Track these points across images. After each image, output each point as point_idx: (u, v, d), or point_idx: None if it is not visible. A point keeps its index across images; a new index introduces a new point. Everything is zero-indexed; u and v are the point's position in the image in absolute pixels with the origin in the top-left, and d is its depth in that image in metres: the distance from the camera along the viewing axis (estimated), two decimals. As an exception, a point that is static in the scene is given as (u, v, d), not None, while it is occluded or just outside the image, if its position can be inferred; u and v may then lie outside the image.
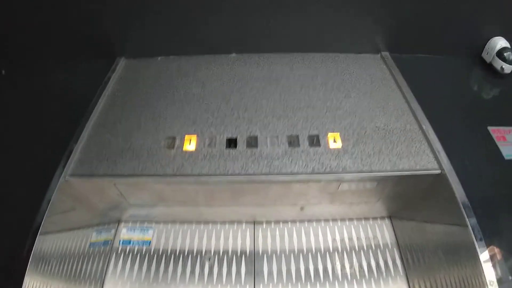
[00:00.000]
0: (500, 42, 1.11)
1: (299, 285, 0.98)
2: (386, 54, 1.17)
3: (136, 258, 1.02)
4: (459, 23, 1.10)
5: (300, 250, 1.04)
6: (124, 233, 1.07)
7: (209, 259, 1.02)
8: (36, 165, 0.87)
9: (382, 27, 1.12)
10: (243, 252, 1.03)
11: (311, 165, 0.83)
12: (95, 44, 1.15)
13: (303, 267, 1.01)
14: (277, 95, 1.01)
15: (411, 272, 0.97)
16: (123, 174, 0.83)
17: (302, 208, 1.00)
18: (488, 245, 0.71)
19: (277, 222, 1.09)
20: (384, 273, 0.99)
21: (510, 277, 0.70)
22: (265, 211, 1.03)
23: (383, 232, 1.07)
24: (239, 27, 1.10)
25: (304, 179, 0.82)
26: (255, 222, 1.09)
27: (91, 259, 0.97)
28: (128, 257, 1.03)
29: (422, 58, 1.18)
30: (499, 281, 0.68)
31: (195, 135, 0.90)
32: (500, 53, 1.10)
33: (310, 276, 0.99)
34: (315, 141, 0.88)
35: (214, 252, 1.04)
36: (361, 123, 0.93)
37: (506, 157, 0.88)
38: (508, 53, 1.08)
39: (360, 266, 1.00)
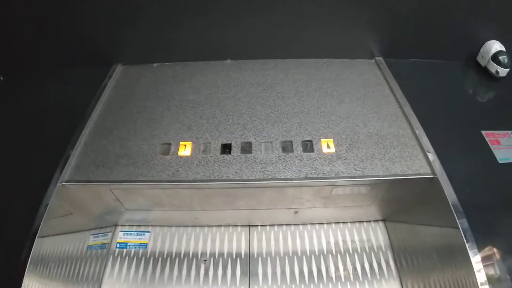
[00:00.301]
0: (495, 46, 1.11)
1: (293, 287, 0.99)
2: (380, 59, 1.17)
3: (133, 261, 1.04)
4: (454, 27, 1.10)
5: (295, 253, 1.05)
6: (121, 236, 1.08)
7: (205, 261, 1.03)
8: (34, 170, 0.88)
9: (376, 32, 1.13)
10: (238, 254, 1.05)
11: (305, 171, 0.84)
12: (92, 50, 1.15)
13: (298, 269, 1.02)
14: (271, 101, 1.02)
15: (404, 274, 0.99)
16: (119, 180, 0.84)
17: (296, 212, 1.01)
18: (479, 247, 0.72)
19: (272, 225, 1.10)
20: (377, 275, 1.01)
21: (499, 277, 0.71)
22: (260, 215, 1.04)
23: (377, 235, 1.08)
24: (234, 34, 1.11)
25: (297, 184, 0.83)
26: (250, 226, 1.10)
27: (88, 262, 0.99)
28: (125, 260, 1.04)
29: (417, 62, 1.18)
30: (491, 282, 0.68)
31: (190, 141, 0.91)
32: (495, 57, 1.09)
33: (304, 278, 1.00)
34: (308, 146, 0.89)
35: (210, 254, 1.05)
36: (355, 128, 0.93)
37: (500, 161, 0.88)
38: (503, 56, 1.08)
39: (354, 268, 1.02)
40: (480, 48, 1.15)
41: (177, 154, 0.88)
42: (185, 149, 0.89)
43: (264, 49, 1.16)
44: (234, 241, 1.07)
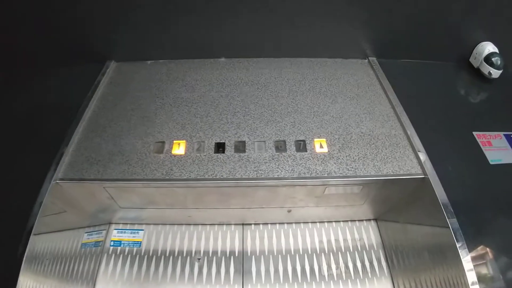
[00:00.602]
0: (488, 47, 1.12)
1: (286, 285, 1.00)
2: (373, 59, 1.18)
3: (127, 258, 1.04)
4: (447, 28, 1.11)
5: (288, 251, 1.06)
6: (115, 234, 1.09)
7: (199, 259, 1.04)
8: (28, 168, 0.88)
9: (370, 33, 1.13)
10: (232, 252, 1.06)
11: (297, 170, 0.84)
12: (85, 47, 1.15)
13: (291, 267, 1.03)
14: (265, 100, 1.03)
15: (396, 273, 1.00)
16: (113, 178, 0.84)
17: (289, 211, 1.01)
18: (469, 247, 0.73)
19: (265, 223, 1.11)
20: (369, 274, 1.02)
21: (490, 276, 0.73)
22: (254, 213, 1.04)
23: (369, 234, 1.09)
24: (228, 32, 1.11)
25: (290, 183, 0.84)
26: (243, 224, 1.11)
27: (82, 260, 0.99)
28: (119, 257, 1.05)
29: (410, 63, 1.19)
30: (481, 282, 0.70)
31: (184, 140, 0.91)
32: (488, 58, 1.10)
33: (297, 276, 1.02)
34: (301, 146, 0.90)
35: (204, 252, 1.06)
36: (347, 128, 0.94)
37: (491, 162, 0.89)
38: (496, 58, 1.09)
39: (346, 266, 1.03)
40: (473, 49, 1.16)
41: (171, 152, 0.88)
42: (179, 148, 0.89)
43: (258, 48, 1.17)
44: (227, 239, 1.08)
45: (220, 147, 0.90)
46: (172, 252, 1.05)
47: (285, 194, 0.91)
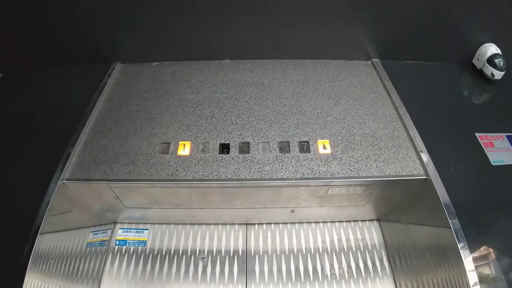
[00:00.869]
0: (491, 49, 1.12)
1: (289, 284, 1.01)
2: (376, 61, 1.18)
3: (132, 258, 1.06)
4: (450, 29, 1.11)
5: (291, 251, 1.07)
6: (120, 233, 1.10)
7: (203, 259, 1.05)
8: (35, 169, 0.89)
9: (373, 34, 1.13)
10: (235, 252, 1.07)
11: (301, 171, 0.85)
12: (91, 48, 1.16)
13: (294, 267, 1.04)
14: (269, 101, 1.04)
15: (398, 273, 1.01)
16: (119, 178, 0.85)
17: (292, 211, 1.02)
18: (471, 247, 0.73)
19: (268, 223, 1.12)
20: (371, 274, 1.03)
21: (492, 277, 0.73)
22: (257, 214, 1.05)
23: (372, 234, 1.10)
24: (233, 34, 1.12)
25: (294, 184, 0.85)
26: (247, 224, 1.12)
27: (88, 259, 1.00)
28: (124, 257, 1.06)
29: (413, 64, 1.19)
30: (483, 282, 0.70)
31: (189, 141, 0.92)
32: (490, 60, 1.10)
33: (300, 275, 1.02)
34: (305, 147, 0.91)
35: (208, 252, 1.07)
36: (350, 129, 0.95)
37: (493, 163, 0.90)
38: (499, 59, 1.09)
39: (349, 266, 1.04)
40: (476, 50, 1.16)
41: (176, 153, 0.89)
42: (184, 149, 0.90)
43: (262, 50, 1.18)
44: (231, 239, 1.09)
45: (224, 148, 0.91)
46: (176, 251, 1.06)
47: (288, 195, 0.92)
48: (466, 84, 1.18)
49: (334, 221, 1.12)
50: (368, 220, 1.12)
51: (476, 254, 0.74)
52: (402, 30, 1.12)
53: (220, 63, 1.19)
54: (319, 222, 1.12)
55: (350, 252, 1.06)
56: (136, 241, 1.08)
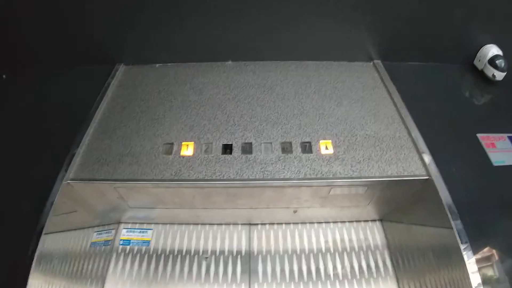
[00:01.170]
0: (492, 50, 1.12)
1: (292, 284, 1.01)
2: (378, 62, 1.19)
3: (136, 257, 1.06)
4: (451, 30, 1.12)
5: (294, 251, 1.07)
6: (124, 233, 1.11)
7: (206, 259, 1.06)
8: (40, 169, 0.89)
9: (375, 36, 1.14)
10: (239, 252, 1.07)
11: (303, 171, 0.86)
12: (94, 50, 1.17)
13: (297, 267, 1.04)
14: (271, 102, 1.04)
15: (401, 273, 1.01)
16: (123, 178, 0.86)
17: (295, 211, 1.03)
18: (473, 248, 0.73)
19: (271, 224, 1.12)
20: (374, 274, 1.03)
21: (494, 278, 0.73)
22: (260, 214, 1.06)
23: (374, 234, 1.10)
24: (235, 36, 1.13)
25: (296, 184, 0.86)
26: (250, 224, 1.12)
27: (92, 259, 1.01)
28: (128, 256, 1.06)
29: (414, 65, 1.19)
30: (485, 283, 0.70)
31: (192, 141, 0.93)
32: (492, 61, 1.11)
33: (303, 276, 1.03)
34: (307, 147, 0.91)
35: (211, 252, 1.07)
36: (352, 130, 0.96)
37: (495, 164, 0.90)
38: (500, 60, 1.09)
39: (351, 267, 1.04)
40: (477, 52, 1.16)
41: (180, 154, 0.90)
42: (187, 149, 0.91)
43: (264, 51, 1.18)
44: (234, 239, 1.09)
45: (227, 149, 0.92)
46: (180, 251, 1.07)
47: (291, 195, 0.92)
48: (468, 85, 1.18)
49: (337, 222, 1.13)
50: (371, 220, 1.13)
51: (478, 255, 0.74)
52: (403, 32, 1.12)
53: (222, 65, 1.19)
54: (321, 222, 1.12)
55: (353, 252, 1.06)
56: (140, 241, 1.09)
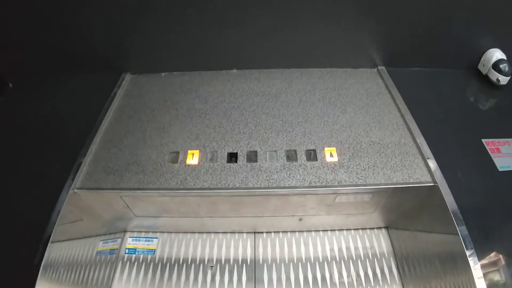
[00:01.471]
0: (496, 54, 1.12)
1: (298, 292, 1.01)
2: (382, 68, 1.19)
3: (141, 266, 1.06)
4: (455, 35, 1.12)
5: (299, 259, 1.07)
6: (130, 242, 1.11)
7: (211, 267, 1.05)
8: (46, 178, 0.90)
9: (378, 42, 1.14)
10: (244, 260, 1.07)
11: (308, 179, 0.86)
12: (101, 59, 1.18)
13: (302, 275, 1.04)
14: (276, 110, 1.05)
15: (407, 280, 1.00)
16: (129, 187, 0.86)
17: (300, 219, 1.03)
18: (479, 254, 0.73)
19: (276, 232, 1.12)
20: (380, 282, 1.02)
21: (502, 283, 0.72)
22: (265, 222, 1.06)
23: (380, 242, 1.09)
24: (240, 44, 1.13)
25: (301, 192, 0.86)
26: (255, 232, 1.12)
27: (97, 267, 1.01)
28: (134, 265, 1.07)
29: (419, 71, 1.19)
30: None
31: (198, 150, 0.93)
32: (496, 65, 1.10)
33: (309, 284, 1.02)
34: (312, 155, 0.91)
35: (216, 260, 1.07)
36: (357, 137, 0.96)
37: (500, 169, 0.89)
38: (504, 65, 1.09)
39: (357, 274, 1.03)
40: (481, 56, 1.16)
41: (185, 162, 0.91)
42: (192, 158, 0.91)
43: (269, 59, 1.19)
44: (240, 247, 1.09)
45: (232, 157, 0.92)
46: (185, 260, 1.07)
47: (296, 203, 0.92)
48: (472, 90, 1.18)
49: (342, 229, 1.12)
50: (376, 228, 1.12)
51: (484, 261, 0.73)
52: (407, 37, 1.12)
53: (227, 73, 1.20)
54: (327, 230, 1.12)
55: (359, 260, 1.06)
56: (145, 250, 1.09)
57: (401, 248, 1.04)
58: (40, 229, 0.80)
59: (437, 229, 0.88)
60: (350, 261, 1.06)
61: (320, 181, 0.85)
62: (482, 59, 1.16)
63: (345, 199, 0.90)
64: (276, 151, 0.93)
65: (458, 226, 0.76)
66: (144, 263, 1.07)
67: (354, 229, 1.12)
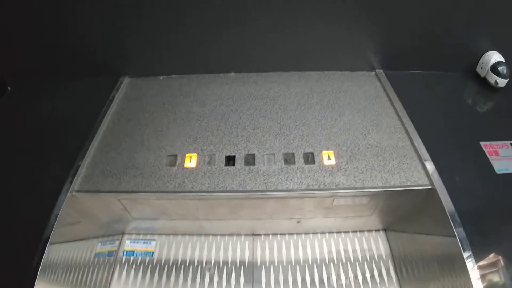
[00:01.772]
0: (494, 56, 1.12)
1: (296, 295, 1.01)
2: (380, 71, 1.19)
3: (140, 268, 1.06)
4: (453, 38, 1.12)
5: (297, 261, 1.07)
6: (128, 244, 1.11)
7: (210, 269, 1.05)
8: (45, 180, 0.90)
9: (376, 45, 1.15)
10: (242, 263, 1.07)
11: (306, 182, 0.86)
12: (100, 63, 1.18)
13: (300, 277, 1.04)
14: (274, 113, 1.05)
15: (405, 283, 1.00)
16: (127, 190, 0.86)
17: (298, 222, 1.03)
18: (476, 256, 0.73)
19: (274, 234, 1.12)
20: (378, 284, 1.02)
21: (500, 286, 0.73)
22: (263, 224, 1.06)
23: (378, 244, 1.09)
24: (238, 47, 1.14)
25: (299, 195, 0.86)
26: (253, 235, 1.12)
27: (96, 269, 1.01)
28: (132, 267, 1.06)
29: (417, 74, 1.20)
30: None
31: (196, 153, 0.94)
32: (494, 67, 1.11)
33: (306, 286, 1.02)
34: (310, 158, 0.92)
35: (214, 263, 1.07)
36: (355, 140, 0.96)
37: (498, 172, 0.89)
38: (502, 67, 1.09)
39: (355, 277, 1.03)
40: (480, 59, 1.16)
41: (183, 165, 0.91)
42: (190, 161, 0.92)
43: (267, 62, 1.19)
44: (238, 249, 1.09)
45: (230, 160, 0.92)
46: (183, 262, 1.07)
47: (294, 206, 0.92)
48: (470, 93, 1.18)
49: (340, 232, 1.12)
50: (374, 230, 1.12)
51: (482, 263, 0.73)
52: (405, 40, 1.13)
53: (225, 76, 1.21)
54: (325, 232, 1.12)
55: (357, 262, 1.06)
56: (143, 252, 1.09)
57: (399, 250, 1.04)
58: (39, 231, 0.80)
59: (435, 231, 0.88)
60: (348, 263, 1.06)
61: (318, 184, 0.86)
62: (480, 61, 1.17)
63: (343, 202, 0.91)
64: (274, 154, 0.93)
65: (455, 228, 0.77)
66: (142, 265, 1.07)
67: (352, 231, 1.12)
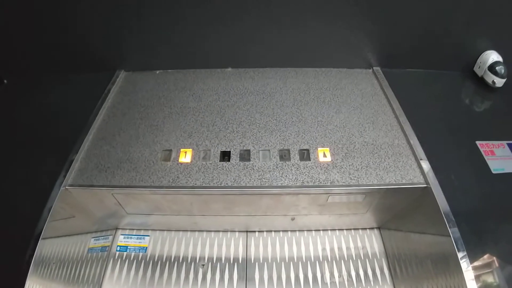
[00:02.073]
0: (492, 56, 1.12)
1: (289, 292, 1.01)
2: (377, 69, 1.19)
3: (133, 264, 1.06)
4: (451, 37, 1.12)
5: (291, 258, 1.07)
6: (121, 239, 1.11)
7: (203, 265, 1.05)
8: (38, 174, 0.90)
9: (374, 42, 1.14)
10: (236, 259, 1.07)
11: (301, 179, 0.86)
12: (96, 57, 1.18)
13: (293, 274, 1.04)
14: (270, 109, 1.04)
15: (398, 281, 1.00)
16: (121, 185, 0.86)
17: (293, 218, 1.02)
18: (470, 256, 0.73)
19: (269, 231, 1.12)
20: (372, 282, 1.02)
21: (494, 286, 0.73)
22: (258, 221, 1.06)
23: (372, 242, 1.10)
24: (235, 43, 1.13)
25: (294, 192, 0.85)
26: (247, 231, 1.12)
27: (89, 264, 1.01)
28: (125, 263, 1.06)
29: (414, 72, 1.20)
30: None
31: (191, 148, 0.93)
32: (492, 67, 1.10)
33: (300, 283, 1.02)
34: (305, 155, 0.91)
35: (208, 259, 1.07)
36: (351, 138, 0.95)
37: (494, 171, 0.89)
38: (500, 67, 1.09)
39: (349, 274, 1.04)
40: (477, 58, 1.16)
41: (178, 160, 0.90)
42: (185, 156, 0.91)
43: (264, 58, 1.18)
44: (231, 246, 1.09)
45: (225, 156, 0.92)
46: (177, 258, 1.07)
47: (288, 202, 0.92)
48: (467, 92, 1.18)
49: (335, 229, 1.12)
50: (369, 228, 1.12)
51: (476, 263, 0.73)
52: (402, 38, 1.12)
53: (222, 72, 1.20)
54: (319, 230, 1.12)
55: (350, 260, 1.06)
56: (137, 247, 1.09)
57: (393, 248, 1.05)
58: (32, 225, 0.80)
59: (429, 230, 0.88)
60: (342, 261, 1.06)
61: (313, 181, 0.85)
62: (478, 61, 1.16)
63: (337, 199, 0.90)
64: (269, 150, 0.93)
65: (450, 228, 0.77)
66: (135, 261, 1.06)
67: (346, 229, 1.12)
